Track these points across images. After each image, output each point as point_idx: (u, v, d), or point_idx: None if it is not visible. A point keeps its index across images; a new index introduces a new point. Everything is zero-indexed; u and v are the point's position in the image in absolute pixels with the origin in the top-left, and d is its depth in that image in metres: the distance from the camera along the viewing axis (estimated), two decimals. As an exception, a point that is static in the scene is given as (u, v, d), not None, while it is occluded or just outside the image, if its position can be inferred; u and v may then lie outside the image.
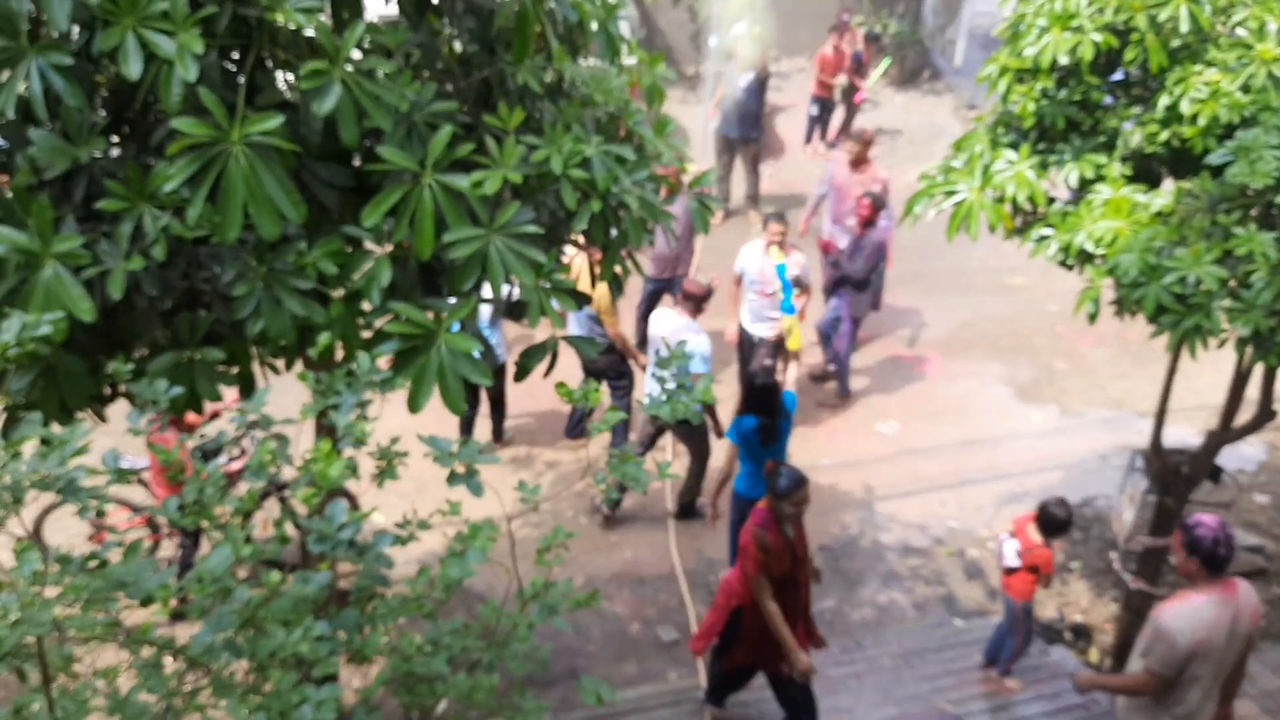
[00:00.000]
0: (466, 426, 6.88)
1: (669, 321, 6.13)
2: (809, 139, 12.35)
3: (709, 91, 11.67)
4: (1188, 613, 3.59)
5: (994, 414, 7.82)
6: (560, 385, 2.43)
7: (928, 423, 7.67)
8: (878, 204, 7.32)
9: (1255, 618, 3.69)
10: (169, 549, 5.72)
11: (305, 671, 2.07)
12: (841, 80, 11.85)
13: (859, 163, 8.15)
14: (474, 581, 5.42)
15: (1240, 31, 4.23)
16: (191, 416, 4.91)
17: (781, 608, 4.38)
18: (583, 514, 6.61)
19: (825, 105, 12.12)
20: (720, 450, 5.86)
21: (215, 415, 5.24)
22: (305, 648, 1.90)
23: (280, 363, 3.10)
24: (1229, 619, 3.58)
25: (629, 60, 3.51)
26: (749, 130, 10.29)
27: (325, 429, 3.02)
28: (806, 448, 7.13)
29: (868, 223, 7.32)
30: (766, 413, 5.28)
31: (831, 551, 6.44)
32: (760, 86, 10.16)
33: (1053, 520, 4.99)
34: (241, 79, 2.69)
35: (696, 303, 6.10)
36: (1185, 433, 6.99)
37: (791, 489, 4.22)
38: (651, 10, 13.55)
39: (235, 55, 2.82)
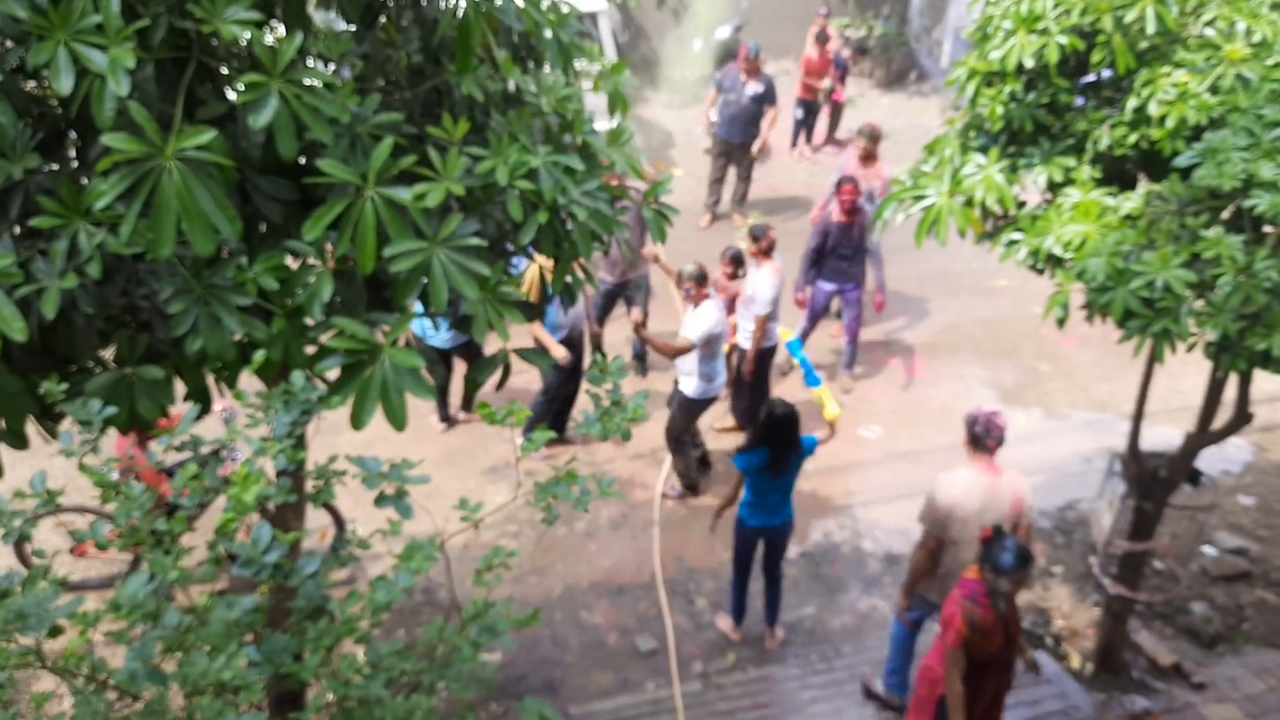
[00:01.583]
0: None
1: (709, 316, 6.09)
2: (794, 143, 12.32)
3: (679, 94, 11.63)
4: (949, 480, 4.52)
5: (978, 417, 7.77)
6: (483, 406, 2.39)
7: (911, 427, 7.63)
8: (859, 190, 7.41)
9: (1017, 505, 4.48)
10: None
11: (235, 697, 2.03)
12: (825, 84, 11.83)
13: (867, 158, 8.22)
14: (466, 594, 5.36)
15: (1209, 32, 4.20)
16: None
17: (983, 691, 4.07)
18: (561, 524, 6.56)
19: (810, 108, 12.09)
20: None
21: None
22: (228, 674, 1.85)
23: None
24: (984, 491, 4.44)
25: (591, 68, 3.47)
26: (750, 137, 10.25)
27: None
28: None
29: (852, 209, 7.34)
30: (781, 444, 5.05)
31: (812, 557, 6.40)
32: (767, 95, 10.10)
33: None
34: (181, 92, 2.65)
35: (696, 282, 6.10)
36: (1170, 434, 6.95)
37: (1017, 567, 3.86)
38: (636, 15, 13.53)
39: (176, 68, 2.78)
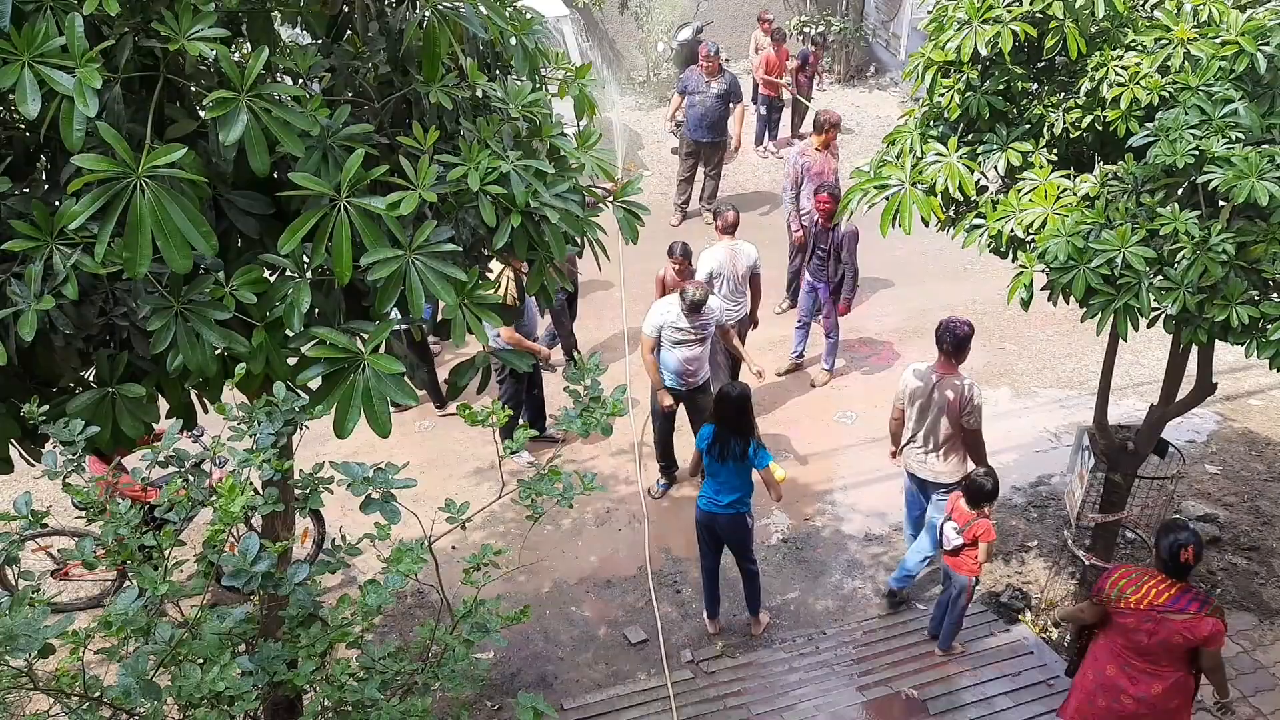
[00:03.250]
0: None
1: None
2: (760, 140, 12.42)
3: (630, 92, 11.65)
4: (914, 366, 5.62)
5: (950, 399, 7.90)
6: (464, 406, 2.43)
7: (885, 411, 7.69)
8: (835, 196, 7.48)
9: (955, 402, 5.32)
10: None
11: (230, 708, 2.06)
12: (786, 79, 11.95)
13: (827, 146, 8.38)
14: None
15: (1157, 14, 4.31)
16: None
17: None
18: (548, 521, 6.59)
19: (773, 105, 12.20)
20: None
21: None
22: (223, 685, 1.88)
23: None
24: (931, 382, 5.42)
25: (556, 73, 3.51)
26: (718, 135, 10.33)
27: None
28: (767, 440, 7.15)
29: (831, 215, 7.46)
30: (726, 422, 5.15)
31: (794, 542, 6.49)
32: (732, 92, 10.19)
33: (979, 490, 5.07)
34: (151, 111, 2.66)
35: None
36: (1137, 407, 7.11)
37: (1201, 554, 4.07)
38: (599, 19, 13.56)
39: (145, 87, 2.78)
